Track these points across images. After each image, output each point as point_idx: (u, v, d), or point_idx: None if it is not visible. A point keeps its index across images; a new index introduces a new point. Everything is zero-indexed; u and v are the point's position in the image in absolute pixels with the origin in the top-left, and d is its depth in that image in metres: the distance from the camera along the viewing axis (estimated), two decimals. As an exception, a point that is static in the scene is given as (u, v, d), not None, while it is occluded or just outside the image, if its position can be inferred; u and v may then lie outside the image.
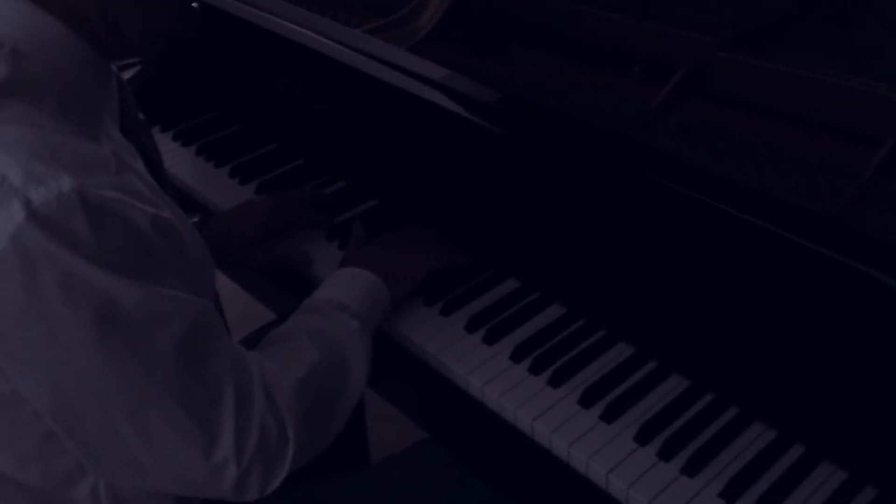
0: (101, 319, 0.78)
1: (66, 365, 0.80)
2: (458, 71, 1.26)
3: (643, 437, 1.01)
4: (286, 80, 1.57)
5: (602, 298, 1.17)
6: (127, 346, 0.80)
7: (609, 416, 1.04)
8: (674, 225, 1.04)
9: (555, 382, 1.09)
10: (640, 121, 1.15)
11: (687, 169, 1.03)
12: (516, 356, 1.12)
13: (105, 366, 0.80)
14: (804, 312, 0.96)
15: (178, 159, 1.58)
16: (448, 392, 1.12)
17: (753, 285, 0.99)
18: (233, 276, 1.50)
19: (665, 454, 1.00)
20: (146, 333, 0.81)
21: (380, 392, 1.27)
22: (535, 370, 1.10)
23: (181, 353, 0.83)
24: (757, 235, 0.95)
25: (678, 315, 1.10)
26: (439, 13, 1.41)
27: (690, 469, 0.98)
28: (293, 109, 1.57)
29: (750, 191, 0.98)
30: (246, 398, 0.88)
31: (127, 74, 1.64)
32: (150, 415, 0.83)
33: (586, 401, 1.06)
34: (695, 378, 1.08)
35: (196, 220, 1.30)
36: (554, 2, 1.35)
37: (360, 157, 1.46)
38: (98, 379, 0.80)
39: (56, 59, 0.85)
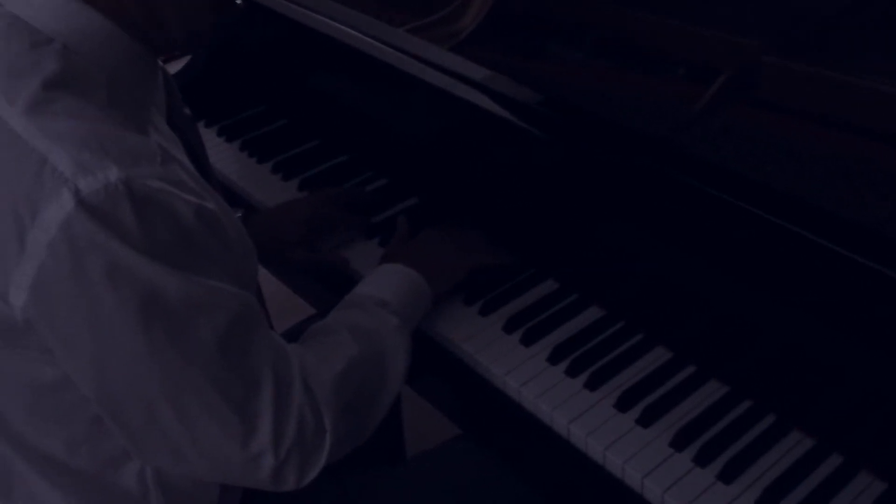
0: (145, 309, 0.79)
1: (110, 352, 0.81)
2: (499, 71, 1.26)
3: (679, 443, 1.01)
4: (329, 78, 1.58)
5: (640, 302, 1.17)
6: (169, 335, 0.81)
7: (645, 421, 1.03)
8: (714, 230, 1.03)
9: (592, 385, 1.08)
10: (682, 124, 1.14)
11: (728, 174, 1.02)
12: (554, 358, 1.12)
13: (148, 354, 0.81)
14: (846, 322, 0.95)
15: (222, 155, 1.60)
16: (485, 392, 1.12)
17: (793, 293, 0.99)
18: (274, 272, 1.52)
19: (701, 460, 0.99)
20: (189, 323, 0.82)
21: (416, 389, 1.27)
22: (572, 372, 1.10)
23: (223, 343, 0.84)
24: (798, 243, 0.94)
25: (717, 320, 1.09)
26: (482, 13, 1.41)
27: (726, 476, 0.97)
28: (336, 107, 1.58)
29: (792, 198, 0.97)
30: (285, 390, 0.89)
31: (173, 69, 1.66)
32: (190, 403, 0.84)
33: (623, 404, 1.06)
34: (733, 384, 1.07)
35: (239, 215, 1.31)
36: (596, 3, 1.35)
37: (401, 156, 1.47)
38: (140, 367, 0.82)
39: (104, 54, 0.87)
